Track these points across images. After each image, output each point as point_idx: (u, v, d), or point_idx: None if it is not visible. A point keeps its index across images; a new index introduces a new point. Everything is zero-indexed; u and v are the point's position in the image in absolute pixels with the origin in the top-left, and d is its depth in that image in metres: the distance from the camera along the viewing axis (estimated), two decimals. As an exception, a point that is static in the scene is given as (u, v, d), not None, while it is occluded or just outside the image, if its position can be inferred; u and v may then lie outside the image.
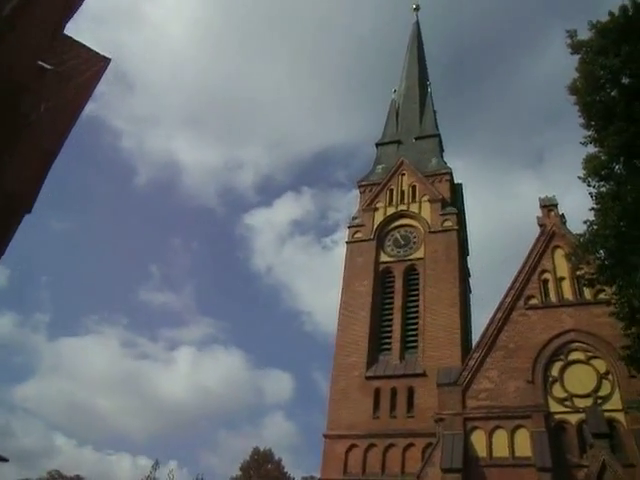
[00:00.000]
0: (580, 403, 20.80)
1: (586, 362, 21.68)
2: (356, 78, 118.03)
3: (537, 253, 24.95)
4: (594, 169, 13.25)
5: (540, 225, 25.65)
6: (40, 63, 7.85)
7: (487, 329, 23.51)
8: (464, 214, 35.28)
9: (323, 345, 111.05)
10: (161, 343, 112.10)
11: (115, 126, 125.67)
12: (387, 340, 28.67)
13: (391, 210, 33.16)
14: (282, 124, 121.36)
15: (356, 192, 35.85)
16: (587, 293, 22.98)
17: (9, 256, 9.35)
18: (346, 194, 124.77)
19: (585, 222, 13.56)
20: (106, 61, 10.28)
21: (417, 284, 29.84)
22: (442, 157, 36.27)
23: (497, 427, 21.05)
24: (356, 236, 32.70)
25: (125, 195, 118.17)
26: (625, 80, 13.00)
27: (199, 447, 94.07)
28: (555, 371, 21.79)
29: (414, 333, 28.35)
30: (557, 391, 21.39)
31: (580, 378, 21.30)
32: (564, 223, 25.40)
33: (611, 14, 13.17)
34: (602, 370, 21.25)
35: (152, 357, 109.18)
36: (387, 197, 33.78)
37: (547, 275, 24.39)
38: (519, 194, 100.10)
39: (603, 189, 13.32)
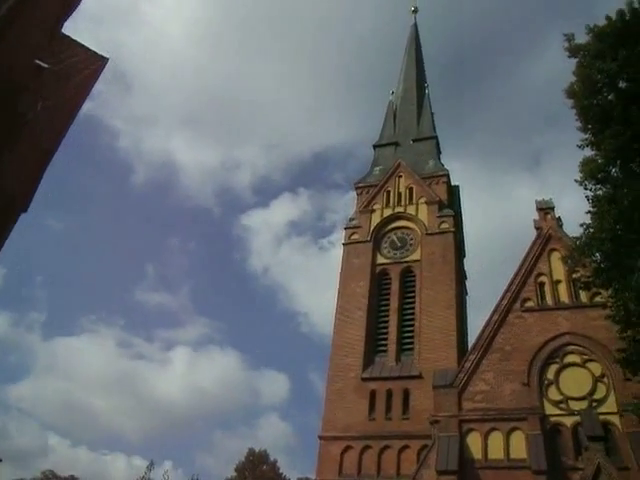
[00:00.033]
0: (575, 406, 20.83)
1: (582, 365, 21.72)
2: (354, 79, 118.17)
3: (533, 256, 25.01)
4: (591, 172, 13.32)
5: (536, 228, 25.69)
6: (37, 62, 7.83)
7: (483, 331, 23.54)
8: (461, 216, 35.30)
9: (319, 346, 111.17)
10: (157, 343, 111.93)
11: (113, 125, 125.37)
12: (383, 342, 28.68)
13: (388, 212, 33.19)
14: (280, 125, 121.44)
15: (353, 194, 35.91)
16: (583, 296, 23.05)
17: (4, 255, 9.31)
18: (343, 195, 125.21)
19: (581, 225, 13.65)
20: (104, 60, 10.28)
21: (413, 286, 29.87)
22: (439, 159, 36.31)
23: (492, 429, 21.07)
24: (353, 237, 32.71)
25: (122, 195, 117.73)
26: (622, 84, 13.07)
27: (194, 448, 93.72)
28: (551, 374, 21.83)
29: (410, 335, 28.36)
30: (552, 394, 21.43)
31: (576, 381, 21.34)
32: (560, 226, 25.45)
33: (608, 18, 13.24)
34: (597, 373, 21.29)
35: (148, 357, 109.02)
36: (384, 199, 33.81)
37: (543, 278, 24.44)
38: (516, 196, 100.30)
39: (600, 192, 13.40)
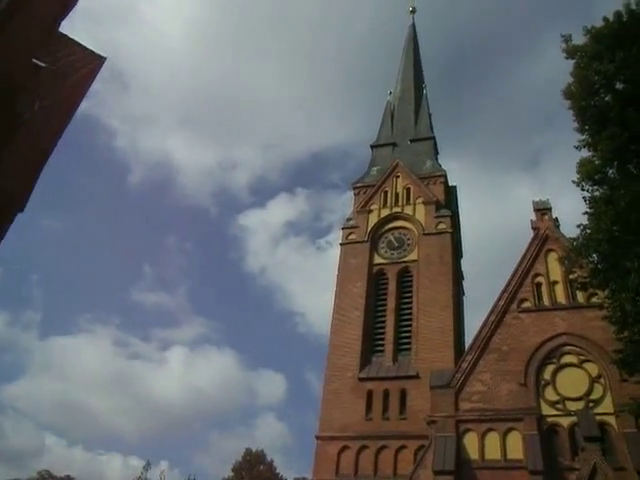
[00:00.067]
0: (572, 406, 20.88)
1: (578, 365, 21.77)
2: (352, 79, 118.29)
3: (530, 256, 25.05)
4: (588, 173, 13.34)
5: (533, 228, 25.73)
6: (35, 61, 7.79)
7: (480, 332, 23.57)
8: (458, 216, 35.36)
9: (316, 346, 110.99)
10: (154, 343, 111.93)
11: (110, 125, 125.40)
12: (380, 342, 28.69)
13: (385, 212, 33.20)
14: (277, 125, 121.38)
15: (350, 194, 35.90)
16: (580, 297, 23.11)
17: (1, 255, 9.29)
18: (340, 195, 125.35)
19: (578, 226, 13.66)
20: (101, 59, 10.22)
21: (411, 286, 29.89)
22: (437, 159, 36.38)
23: (489, 430, 21.11)
24: (350, 238, 32.71)
25: (119, 194, 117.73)
26: (619, 85, 13.09)
27: (191, 448, 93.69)
28: (547, 374, 21.87)
29: (407, 335, 28.39)
30: (549, 394, 21.47)
31: (572, 381, 21.39)
32: (557, 227, 25.50)
33: (605, 20, 13.26)
34: (594, 373, 21.34)
35: (144, 357, 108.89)
36: (381, 199, 33.82)
37: (540, 278, 24.49)
38: (513, 197, 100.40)
39: (597, 193, 13.42)
